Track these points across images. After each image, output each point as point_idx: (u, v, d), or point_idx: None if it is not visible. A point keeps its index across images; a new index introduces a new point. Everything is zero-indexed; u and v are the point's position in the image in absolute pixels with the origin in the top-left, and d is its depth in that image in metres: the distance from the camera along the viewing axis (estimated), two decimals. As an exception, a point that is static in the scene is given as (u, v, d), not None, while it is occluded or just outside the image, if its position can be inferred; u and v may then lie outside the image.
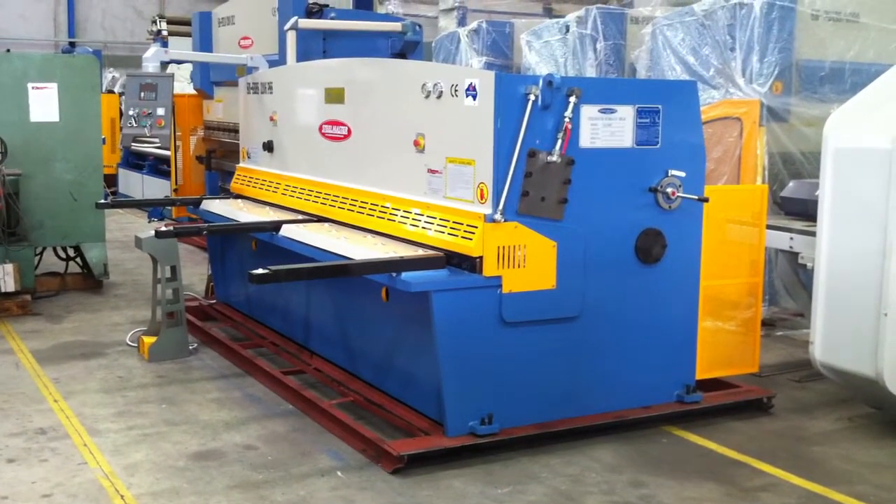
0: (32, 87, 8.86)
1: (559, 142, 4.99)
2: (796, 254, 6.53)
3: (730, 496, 4.71)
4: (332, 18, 8.61)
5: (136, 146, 14.67)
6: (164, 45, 14.13)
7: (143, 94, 7.63)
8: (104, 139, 9.78)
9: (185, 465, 5.04)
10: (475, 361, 5.05)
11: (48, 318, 8.25)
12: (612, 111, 5.21)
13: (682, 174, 5.39)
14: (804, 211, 6.73)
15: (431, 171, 5.42)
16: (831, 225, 5.61)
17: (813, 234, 5.91)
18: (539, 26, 11.24)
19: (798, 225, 6.60)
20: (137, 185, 15.75)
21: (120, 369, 6.77)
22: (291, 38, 8.19)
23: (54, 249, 9.39)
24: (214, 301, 8.33)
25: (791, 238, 6.53)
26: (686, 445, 5.39)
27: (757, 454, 5.24)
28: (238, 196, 7.85)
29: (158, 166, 15.17)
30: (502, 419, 5.14)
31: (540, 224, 5.08)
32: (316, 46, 8.49)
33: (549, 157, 5.00)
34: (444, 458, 5.01)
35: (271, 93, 7.49)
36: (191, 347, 7.14)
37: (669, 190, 5.37)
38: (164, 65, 8.38)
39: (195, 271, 10.01)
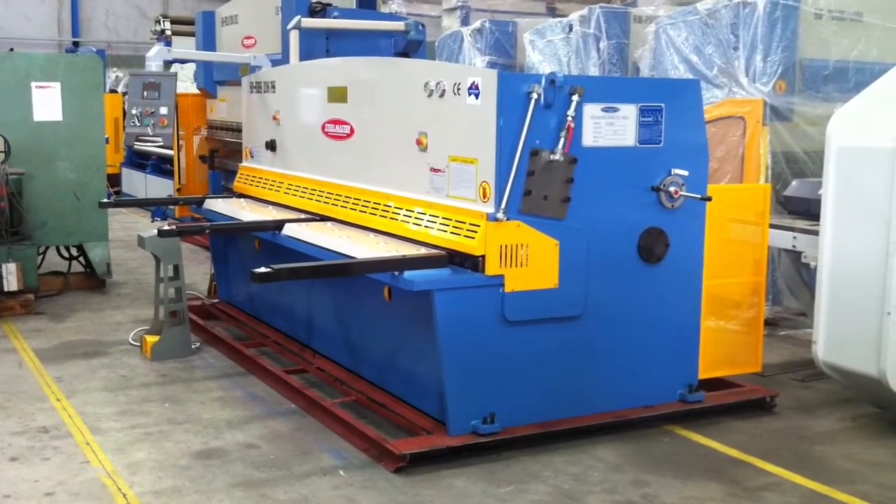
0: (36, 87, 8.85)
1: (562, 140, 4.99)
2: (799, 253, 6.52)
3: (732, 496, 4.71)
4: (335, 17, 8.62)
5: (139, 145, 14.58)
6: (168, 44, 14.15)
7: (146, 94, 7.64)
8: (107, 138, 9.75)
9: (187, 463, 5.04)
10: (477, 360, 5.05)
11: (51, 318, 8.26)
12: (615, 110, 5.21)
13: (685, 173, 5.39)
14: (807, 210, 6.72)
15: (434, 170, 5.42)
16: (834, 224, 5.60)
17: (816, 233, 5.90)
18: (542, 25, 11.25)
19: (801, 224, 6.59)
20: (140, 184, 15.75)
21: (122, 368, 6.77)
22: (294, 37, 8.19)
23: (57, 249, 9.39)
24: (217, 300, 8.34)
25: (794, 237, 6.52)
26: (689, 445, 5.38)
27: (760, 453, 5.23)
28: (241, 195, 7.85)
29: (161, 166, 15.17)
30: (504, 418, 5.13)
31: (542, 223, 5.07)
32: (319, 46, 8.50)
33: (551, 156, 5.00)
34: (446, 457, 5.00)
35: (274, 92, 7.49)
36: (193, 346, 7.14)
37: (672, 189, 5.36)
38: (168, 64, 8.39)
39: (198, 270, 10.02)
